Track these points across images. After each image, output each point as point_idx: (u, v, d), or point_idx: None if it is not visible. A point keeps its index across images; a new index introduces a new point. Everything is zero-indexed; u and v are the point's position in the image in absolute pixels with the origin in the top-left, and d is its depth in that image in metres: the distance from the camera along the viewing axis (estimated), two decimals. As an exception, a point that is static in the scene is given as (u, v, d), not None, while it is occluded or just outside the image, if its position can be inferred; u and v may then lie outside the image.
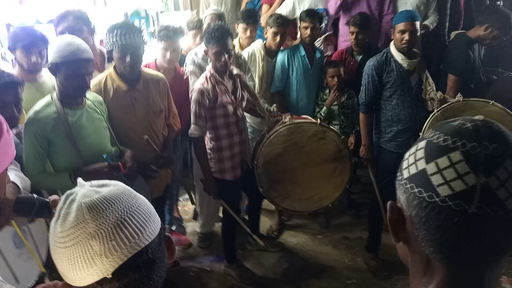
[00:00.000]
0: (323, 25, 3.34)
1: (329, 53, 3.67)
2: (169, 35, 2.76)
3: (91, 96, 2.15)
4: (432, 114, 2.74)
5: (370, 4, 3.64)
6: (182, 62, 3.12)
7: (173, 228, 3.32)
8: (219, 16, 3.35)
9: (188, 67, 3.04)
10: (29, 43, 2.25)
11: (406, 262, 0.70)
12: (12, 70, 2.28)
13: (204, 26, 3.20)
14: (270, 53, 3.26)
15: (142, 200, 0.77)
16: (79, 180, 0.78)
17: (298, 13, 3.55)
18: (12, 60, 2.33)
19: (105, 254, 0.68)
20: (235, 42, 3.30)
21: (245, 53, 3.18)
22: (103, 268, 0.69)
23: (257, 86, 3.18)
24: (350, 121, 3.28)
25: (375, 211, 2.95)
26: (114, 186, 0.75)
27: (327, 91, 3.29)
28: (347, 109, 3.28)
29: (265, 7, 3.82)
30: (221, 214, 3.07)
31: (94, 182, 0.76)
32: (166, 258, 0.79)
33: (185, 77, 3.01)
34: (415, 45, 2.83)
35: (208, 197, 2.85)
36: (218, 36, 2.47)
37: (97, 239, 0.68)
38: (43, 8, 2.99)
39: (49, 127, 1.95)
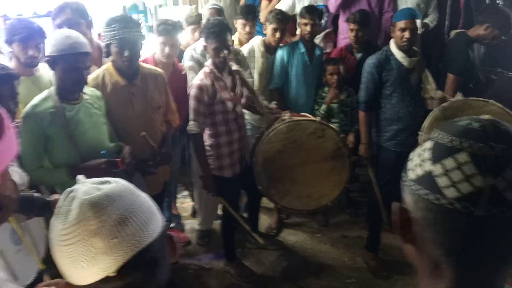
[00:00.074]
0: (323, 21, 3.32)
1: (328, 50, 3.65)
2: (168, 29, 2.72)
3: (89, 91, 2.12)
4: (431, 113, 2.73)
5: (370, 1, 3.63)
6: (180, 57, 3.09)
7: (172, 225, 3.29)
8: (219, 11, 3.32)
9: (186, 63, 3.01)
10: (26, 36, 2.21)
11: (414, 263, 0.69)
12: (9, 63, 2.23)
13: (203, 21, 3.17)
14: (269, 50, 3.23)
15: (144, 198, 0.75)
16: (80, 177, 0.76)
17: (297, 9, 3.53)
18: (8, 53, 2.28)
19: (108, 252, 0.67)
20: (234, 38, 3.27)
21: (244, 50, 3.15)
22: (106, 266, 0.67)
23: (256, 82, 3.15)
24: (349, 119, 3.26)
25: (374, 210, 2.95)
26: (115, 183, 0.74)
27: (326, 88, 3.27)
28: (346, 107, 3.26)
29: (264, 2, 3.80)
30: (220, 212, 3.05)
31: (95, 179, 0.75)
32: (168, 258, 0.77)
33: (183, 72, 2.98)
34: (415, 43, 2.82)
35: (207, 194, 2.83)
36: (217, 31, 2.45)
37: (100, 236, 0.67)
38: (40, 0, 2.94)
39: (46, 121, 1.92)
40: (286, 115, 2.72)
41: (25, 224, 1.77)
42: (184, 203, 3.76)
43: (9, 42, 2.25)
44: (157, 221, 0.74)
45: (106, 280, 0.68)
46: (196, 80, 2.54)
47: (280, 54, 3.22)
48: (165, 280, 0.76)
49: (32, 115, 1.90)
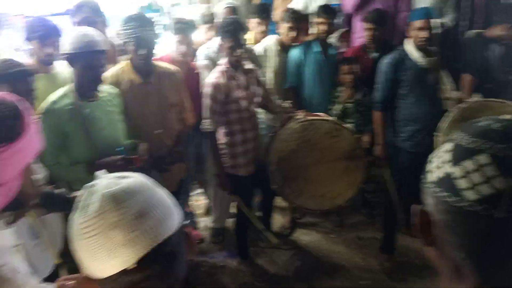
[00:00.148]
0: (339, 21, 3.30)
1: (343, 49, 3.62)
2: (184, 28, 2.74)
3: (106, 88, 2.14)
4: (448, 114, 2.69)
5: (385, 0, 3.58)
6: (194, 55, 3.10)
7: (186, 223, 3.30)
8: (234, 10, 3.32)
9: (200, 61, 3.02)
10: (44, 34, 2.25)
11: (436, 266, 0.68)
12: (29, 60, 2.27)
13: (218, 20, 3.17)
14: (283, 49, 3.22)
15: (162, 193, 0.76)
16: (99, 172, 0.77)
17: (311, 8, 3.51)
18: (28, 50, 2.33)
19: (128, 245, 0.67)
20: (248, 36, 3.27)
21: (259, 48, 3.15)
22: (125, 259, 0.68)
23: (270, 81, 3.15)
24: (365, 119, 3.23)
25: (390, 211, 2.92)
26: (135, 178, 0.75)
27: (341, 88, 3.24)
28: (362, 107, 3.22)
29: (278, 1, 3.78)
30: (233, 210, 3.05)
31: (115, 174, 0.76)
32: (186, 253, 0.77)
33: (196, 71, 2.99)
34: (432, 43, 2.78)
35: (221, 192, 2.83)
36: (232, 30, 2.45)
37: (119, 229, 0.67)
38: (58, -1, 2.99)
39: (64, 118, 1.95)
40: (300, 115, 2.71)
41: (43, 219, 1.80)
42: (198, 200, 3.77)
43: (28, 39, 2.30)
44: (175, 216, 0.75)
45: (125, 272, 0.68)
46: (210, 78, 2.54)
47: (295, 53, 3.21)
48: (183, 275, 0.76)
49: (50, 111, 1.93)
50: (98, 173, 0.77)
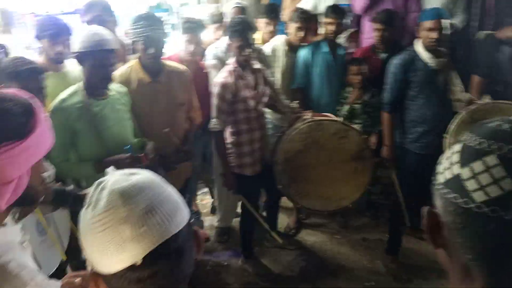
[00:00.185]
0: (348, 21, 3.28)
1: (352, 50, 3.60)
2: (193, 27, 2.74)
3: (115, 87, 2.16)
4: (458, 115, 2.66)
5: (395, 1, 3.56)
6: (203, 55, 3.10)
7: (191, 221, 3.31)
8: (242, 10, 3.32)
9: (209, 61, 3.02)
10: (54, 33, 2.27)
11: (446, 269, 0.67)
12: (38, 58, 2.29)
13: (227, 20, 3.18)
14: (292, 49, 3.22)
15: (171, 190, 0.77)
16: (109, 169, 0.79)
17: (320, 8, 3.50)
18: (38, 49, 2.35)
19: (136, 239, 0.68)
20: (256, 36, 3.27)
21: (267, 48, 3.15)
22: (133, 254, 0.68)
23: (278, 81, 3.14)
24: (372, 120, 3.21)
25: (396, 213, 2.90)
26: (144, 175, 0.76)
27: (349, 89, 3.23)
28: (370, 108, 3.21)
29: (287, 1, 3.78)
30: (239, 210, 3.05)
31: (125, 171, 0.77)
32: (194, 251, 0.78)
33: (205, 70, 2.99)
34: (443, 44, 2.76)
35: (226, 192, 2.84)
36: (241, 29, 2.46)
37: (128, 224, 0.68)
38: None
39: (74, 116, 1.97)
40: (308, 115, 2.71)
41: (50, 216, 1.82)
42: (204, 200, 3.78)
43: (38, 38, 2.32)
44: (183, 213, 0.76)
45: (132, 269, 0.69)
46: (219, 78, 2.55)
47: (303, 53, 3.20)
48: (189, 272, 0.76)
49: (60, 109, 1.95)
50: (108, 169, 0.78)
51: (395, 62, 2.74)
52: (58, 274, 1.62)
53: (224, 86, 2.49)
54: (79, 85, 2.04)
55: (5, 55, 2.28)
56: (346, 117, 3.11)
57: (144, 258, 0.68)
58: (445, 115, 2.74)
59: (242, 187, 2.66)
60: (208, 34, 3.23)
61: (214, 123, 2.54)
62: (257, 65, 2.69)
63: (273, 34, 3.28)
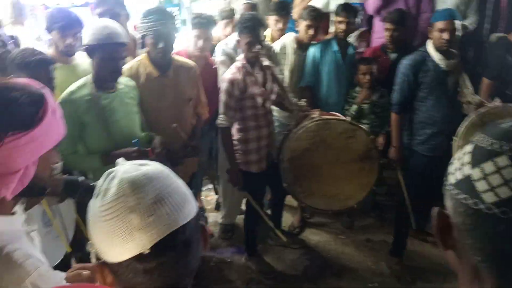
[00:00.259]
0: (358, 20, 3.26)
1: (362, 49, 3.58)
2: (203, 23, 2.74)
3: (124, 80, 2.16)
4: (467, 118, 2.63)
5: (407, 1, 3.53)
6: (212, 51, 3.10)
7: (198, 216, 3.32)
8: (253, 6, 3.31)
9: (218, 57, 3.02)
10: (65, 25, 2.27)
11: (456, 271, 0.66)
12: (48, 50, 2.30)
13: (237, 16, 3.17)
14: (301, 47, 3.20)
15: (180, 181, 0.77)
16: (120, 159, 0.79)
17: (331, 7, 3.48)
18: (48, 41, 2.35)
19: (144, 229, 0.68)
20: (266, 34, 3.26)
21: (276, 46, 3.14)
22: (141, 243, 0.68)
23: (287, 79, 3.13)
24: (380, 121, 3.19)
25: (402, 215, 2.88)
26: (154, 166, 0.76)
27: (358, 88, 3.21)
28: (378, 108, 3.19)
29: (298, -1, 3.76)
30: (243, 207, 3.05)
31: (135, 161, 0.77)
32: (201, 245, 0.78)
33: (214, 66, 2.99)
34: (454, 45, 2.73)
35: (231, 188, 2.84)
36: (251, 26, 2.44)
37: (137, 213, 0.68)
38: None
39: (82, 108, 1.97)
40: (316, 114, 2.69)
41: (56, 208, 1.83)
42: (209, 196, 3.79)
43: (49, 30, 2.33)
44: (191, 205, 0.76)
45: (139, 258, 0.69)
46: (227, 74, 2.54)
47: (313, 51, 3.18)
48: (196, 266, 0.76)
49: (69, 101, 1.95)
50: (118, 160, 0.79)
51: (406, 62, 2.71)
52: (62, 266, 1.63)
53: (232, 82, 2.49)
54: (88, 78, 2.05)
55: (15, 46, 2.29)
56: (354, 117, 3.09)
57: (151, 249, 0.68)
58: (454, 117, 2.71)
59: (247, 184, 2.66)
60: (218, 30, 3.22)
61: (221, 119, 2.53)
62: (266, 62, 2.68)
63: (282, 31, 3.26)
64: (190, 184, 2.78)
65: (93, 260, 0.76)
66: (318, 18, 3.09)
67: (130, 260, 0.69)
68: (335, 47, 3.17)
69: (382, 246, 3.15)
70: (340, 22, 3.10)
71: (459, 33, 2.64)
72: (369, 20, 3.81)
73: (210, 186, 3.77)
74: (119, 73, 2.04)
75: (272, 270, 2.89)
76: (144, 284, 0.71)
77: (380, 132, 3.18)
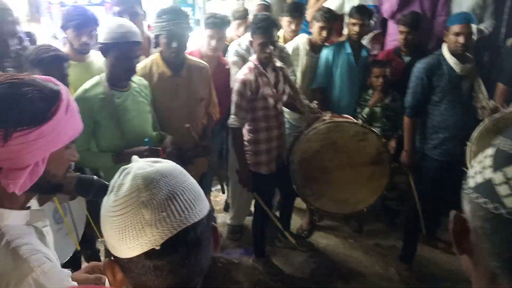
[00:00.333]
0: (372, 22, 3.23)
1: (375, 52, 3.55)
2: (216, 22, 2.73)
3: (137, 79, 2.17)
4: (482, 123, 2.59)
5: (423, 3, 3.49)
6: (224, 52, 3.10)
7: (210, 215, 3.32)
8: (266, 7, 3.30)
9: (230, 58, 3.01)
10: (80, 23, 2.29)
11: (470, 276, 0.65)
12: (63, 48, 2.32)
13: (250, 17, 3.16)
14: (314, 48, 3.18)
15: (193, 180, 0.77)
16: (135, 157, 0.79)
17: (346, 9, 3.45)
18: (63, 39, 2.37)
19: (156, 224, 0.68)
20: (279, 34, 3.25)
21: (289, 47, 3.13)
22: (152, 239, 0.68)
23: (299, 81, 3.12)
24: (392, 124, 3.16)
25: (412, 220, 2.85)
26: (167, 163, 0.77)
27: (371, 91, 3.18)
28: (390, 112, 3.16)
29: (312, 0, 3.74)
30: (252, 208, 3.04)
31: (150, 158, 0.78)
32: (211, 245, 0.77)
33: (227, 67, 2.99)
34: (470, 49, 2.69)
35: (240, 189, 2.83)
36: (265, 26, 2.44)
37: (149, 208, 0.69)
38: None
39: (96, 106, 1.98)
40: (327, 116, 2.67)
41: (67, 205, 1.84)
42: (218, 197, 3.79)
43: (64, 27, 2.34)
44: (204, 204, 0.75)
45: (151, 254, 0.69)
46: (240, 74, 2.54)
47: (326, 53, 3.16)
48: (206, 266, 0.76)
49: (82, 99, 1.96)
50: (134, 157, 0.79)
51: (420, 66, 2.68)
52: (71, 263, 1.64)
53: (244, 83, 2.48)
54: (101, 76, 2.06)
55: (31, 43, 2.31)
56: (366, 120, 3.07)
57: (162, 245, 0.68)
58: (468, 122, 2.68)
59: (256, 185, 2.65)
60: (231, 31, 3.22)
61: (232, 119, 2.53)
62: (278, 63, 2.67)
63: (296, 33, 3.25)
64: (200, 184, 2.77)
65: (103, 258, 0.76)
66: (332, 19, 3.07)
67: (140, 256, 0.69)
68: (348, 49, 3.14)
69: (391, 251, 3.12)
70: (354, 24, 3.07)
71: (474, 37, 2.60)
72: (383, 22, 3.78)
73: (219, 187, 3.77)
74: (133, 71, 2.05)
75: (280, 272, 2.88)
76: (154, 281, 0.70)
77: (392, 136, 3.15)
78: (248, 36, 2.67)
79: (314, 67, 3.19)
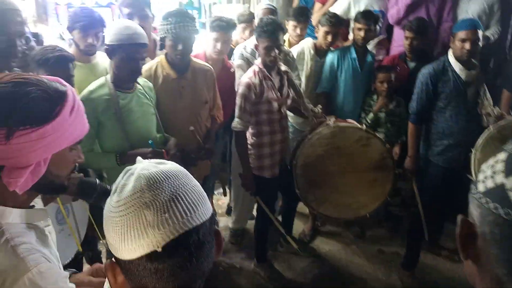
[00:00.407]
0: (377, 27, 3.22)
1: (380, 57, 3.54)
2: (222, 26, 2.74)
3: (141, 81, 2.18)
4: (486, 131, 2.57)
5: (429, 9, 3.48)
6: (229, 55, 3.11)
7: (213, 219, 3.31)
8: (272, 11, 3.31)
9: (235, 61, 3.02)
10: (87, 24, 2.29)
11: (473, 282, 0.64)
12: (68, 49, 2.33)
13: (256, 21, 3.17)
14: (319, 53, 3.18)
15: (196, 182, 0.77)
16: (138, 158, 0.79)
17: (352, 14, 3.45)
18: (69, 40, 2.38)
19: (158, 226, 0.68)
20: (285, 38, 3.25)
21: (294, 51, 3.13)
22: (154, 240, 0.67)
23: (303, 85, 3.11)
24: (396, 130, 3.15)
25: (416, 227, 2.83)
26: (171, 165, 0.76)
27: (375, 96, 3.17)
28: (394, 117, 3.14)
29: (317, 5, 3.74)
30: (255, 212, 3.03)
31: (154, 160, 0.78)
32: (214, 249, 0.76)
33: (232, 70, 2.99)
34: (475, 56, 2.68)
35: (243, 193, 2.82)
36: (270, 30, 2.43)
37: (152, 209, 0.68)
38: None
39: (101, 107, 1.99)
40: (331, 120, 2.67)
41: (70, 206, 1.84)
42: (220, 200, 3.78)
43: (70, 29, 2.35)
44: (207, 206, 0.75)
45: (152, 256, 0.68)
46: (244, 78, 2.54)
47: (331, 58, 3.16)
48: (207, 269, 0.75)
49: (87, 100, 1.96)
50: (139, 158, 0.79)
51: (425, 71, 2.67)
52: (72, 265, 1.64)
53: (248, 86, 2.48)
54: (107, 78, 2.06)
55: (38, 44, 2.32)
56: (370, 125, 3.05)
57: (164, 248, 0.68)
58: (473, 129, 2.66)
59: (259, 189, 2.64)
60: (236, 34, 3.22)
61: (236, 123, 2.53)
62: (283, 67, 2.67)
63: (301, 37, 3.25)
64: (202, 187, 2.77)
65: (104, 260, 0.76)
66: (337, 24, 3.07)
67: (142, 258, 0.68)
68: (353, 54, 3.14)
69: (394, 258, 3.10)
70: (359, 29, 3.07)
71: (480, 43, 2.59)
72: (388, 27, 3.78)
73: (221, 190, 3.76)
74: (138, 73, 2.05)
75: (281, 277, 2.86)
76: (155, 284, 0.70)
77: (396, 142, 3.14)
78: (253, 40, 2.67)
79: (319, 71, 3.18)
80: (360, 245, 3.28)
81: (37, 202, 1.06)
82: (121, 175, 0.75)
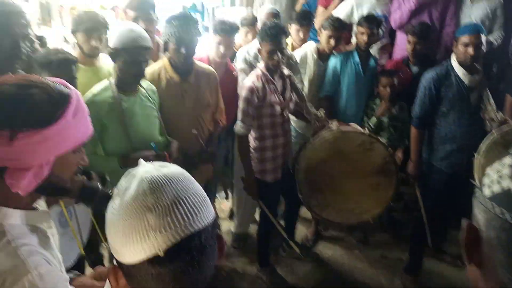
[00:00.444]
0: (380, 31, 3.22)
1: (383, 61, 3.54)
2: (225, 29, 2.74)
3: (145, 84, 2.18)
4: (490, 136, 2.56)
5: (431, 14, 3.48)
6: (232, 58, 3.11)
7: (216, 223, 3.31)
8: (275, 15, 3.31)
9: (238, 64, 3.02)
10: (90, 27, 2.30)
11: (476, 287, 0.63)
12: (73, 52, 2.33)
13: (259, 24, 3.17)
14: (322, 57, 3.18)
15: (199, 186, 0.77)
16: (141, 161, 0.79)
17: (355, 18, 3.46)
18: (73, 43, 2.39)
19: (160, 229, 0.67)
20: (287, 42, 3.25)
21: (296, 55, 3.13)
22: (156, 244, 0.67)
23: (306, 89, 3.11)
24: (399, 134, 3.14)
25: (419, 232, 2.81)
26: (174, 168, 0.76)
27: (378, 101, 3.17)
28: (397, 122, 3.13)
29: (320, 9, 3.75)
30: (257, 216, 3.02)
31: (157, 163, 0.77)
32: (216, 253, 0.76)
33: (234, 73, 2.99)
34: (479, 61, 2.67)
35: (245, 197, 2.81)
36: (273, 34, 2.43)
37: (154, 213, 0.68)
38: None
39: (104, 110, 1.99)
40: (333, 124, 2.66)
41: (73, 209, 1.83)
42: (222, 204, 3.77)
43: (74, 32, 2.36)
44: (209, 210, 0.75)
45: (154, 261, 0.68)
46: (247, 81, 2.54)
47: (333, 62, 3.16)
48: (210, 275, 0.75)
49: (91, 103, 1.97)
50: (141, 161, 0.79)
51: (428, 76, 2.67)
52: (75, 268, 1.63)
53: (251, 90, 2.48)
54: (110, 81, 2.07)
55: (42, 46, 2.33)
56: (373, 130, 3.05)
57: (166, 252, 0.67)
58: (476, 134, 2.65)
59: (262, 193, 2.64)
60: (239, 37, 3.23)
61: (239, 126, 2.53)
62: (286, 71, 2.67)
63: (304, 41, 3.25)
64: (204, 190, 2.77)
65: (106, 263, 0.75)
66: (340, 28, 3.07)
67: (144, 262, 0.68)
68: (356, 58, 3.14)
69: (396, 263, 3.08)
70: (362, 33, 3.07)
71: (484, 48, 2.59)
72: (391, 32, 3.78)
73: (223, 193, 3.76)
74: (141, 76, 2.06)
75: (283, 282, 2.85)
76: None
77: (398, 146, 3.13)
78: (256, 43, 2.68)
79: (321, 75, 3.18)
80: (363, 250, 3.27)
81: (41, 204, 1.05)
82: (123, 178, 0.75)
